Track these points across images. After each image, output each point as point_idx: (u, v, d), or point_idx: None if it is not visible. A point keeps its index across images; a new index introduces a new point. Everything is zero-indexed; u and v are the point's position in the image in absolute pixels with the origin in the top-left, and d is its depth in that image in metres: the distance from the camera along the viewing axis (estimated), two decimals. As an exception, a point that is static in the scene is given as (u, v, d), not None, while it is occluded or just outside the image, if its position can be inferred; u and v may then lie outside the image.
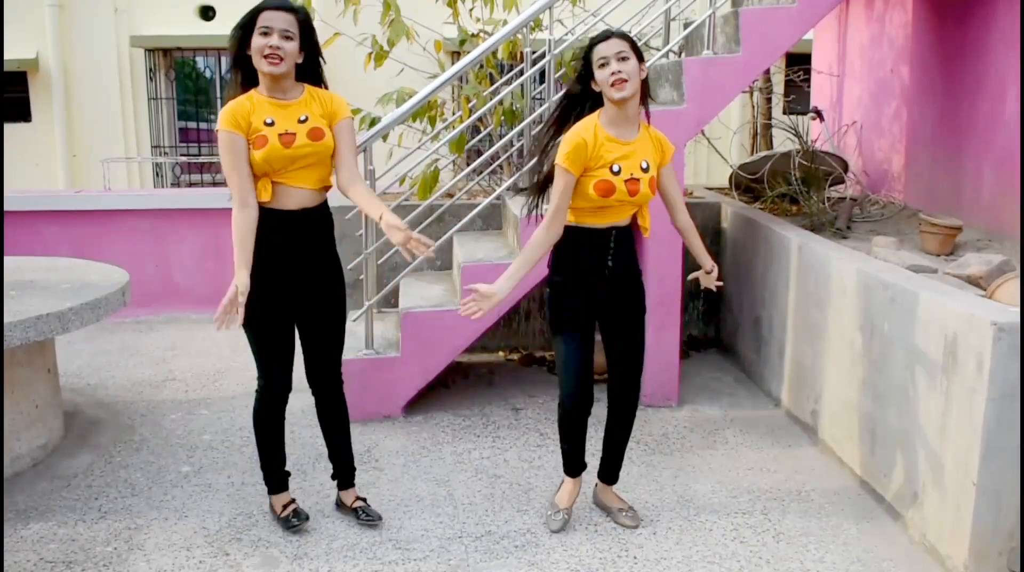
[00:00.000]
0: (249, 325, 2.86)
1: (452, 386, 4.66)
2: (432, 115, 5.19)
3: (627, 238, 2.96)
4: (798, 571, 2.89)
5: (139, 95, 11.59)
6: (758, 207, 5.47)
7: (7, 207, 5.96)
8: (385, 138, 4.22)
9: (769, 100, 7.39)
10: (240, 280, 2.74)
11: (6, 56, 11.11)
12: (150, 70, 11.55)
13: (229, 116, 2.76)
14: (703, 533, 3.13)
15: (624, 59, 2.74)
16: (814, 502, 3.37)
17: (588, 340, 2.97)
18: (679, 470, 3.64)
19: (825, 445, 3.83)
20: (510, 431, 4.07)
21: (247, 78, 2.84)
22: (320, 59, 2.92)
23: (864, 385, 3.46)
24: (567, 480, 3.22)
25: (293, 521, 3.10)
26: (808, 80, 7.25)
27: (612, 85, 2.73)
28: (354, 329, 4.55)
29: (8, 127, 11.51)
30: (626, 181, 2.80)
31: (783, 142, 6.58)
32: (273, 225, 2.84)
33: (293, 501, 3.18)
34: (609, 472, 3.26)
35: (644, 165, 2.85)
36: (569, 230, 2.88)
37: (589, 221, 2.88)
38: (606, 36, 2.80)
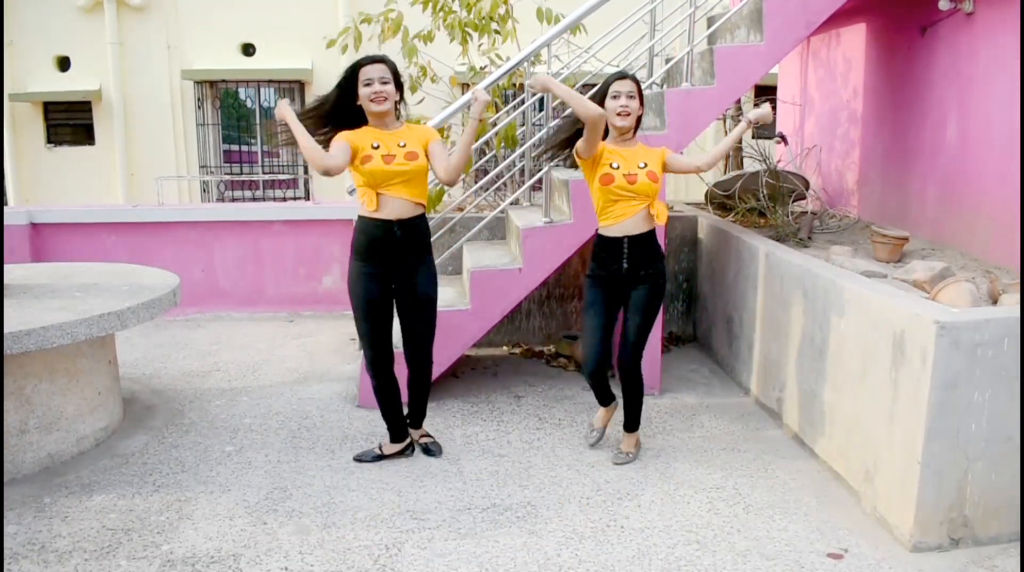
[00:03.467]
0: (356, 308, 3.25)
1: (461, 376, 4.66)
2: (444, 138, 5.21)
3: (641, 245, 3.28)
4: (765, 538, 2.89)
5: (188, 121, 11.60)
6: (730, 220, 5.47)
7: (75, 220, 5.98)
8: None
9: (740, 126, 7.36)
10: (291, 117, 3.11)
11: (74, 87, 11.15)
12: (198, 99, 11.56)
13: (349, 132, 3.13)
14: (682, 505, 3.13)
15: (631, 98, 3.19)
16: (779, 478, 3.37)
17: (604, 318, 3.33)
18: (661, 450, 3.64)
19: (789, 428, 3.82)
20: (512, 416, 4.07)
21: (341, 124, 3.19)
22: (402, 91, 3.24)
23: (823, 376, 3.45)
24: (600, 409, 3.63)
25: (409, 452, 3.53)
26: (774, 109, 7.24)
27: (617, 114, 3.19)
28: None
29: (75, 149, 11.54)
30: (625, 175, 3.19)
31: (752, 163, 6.58)
32: (376, 231, 3.17)
33: (410, 445, 3.54)
34: (626, 422, 3.55)
35: (641, 164, 3.24)
36: (596, 238, 3.33)
37: (607, 223, 3.27)
38: (623, 76, 3.20)
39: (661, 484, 3.30)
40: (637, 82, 3.22)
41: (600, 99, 3.19)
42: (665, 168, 3.33)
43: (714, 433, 3.85)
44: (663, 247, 4.26)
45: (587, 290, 3.37)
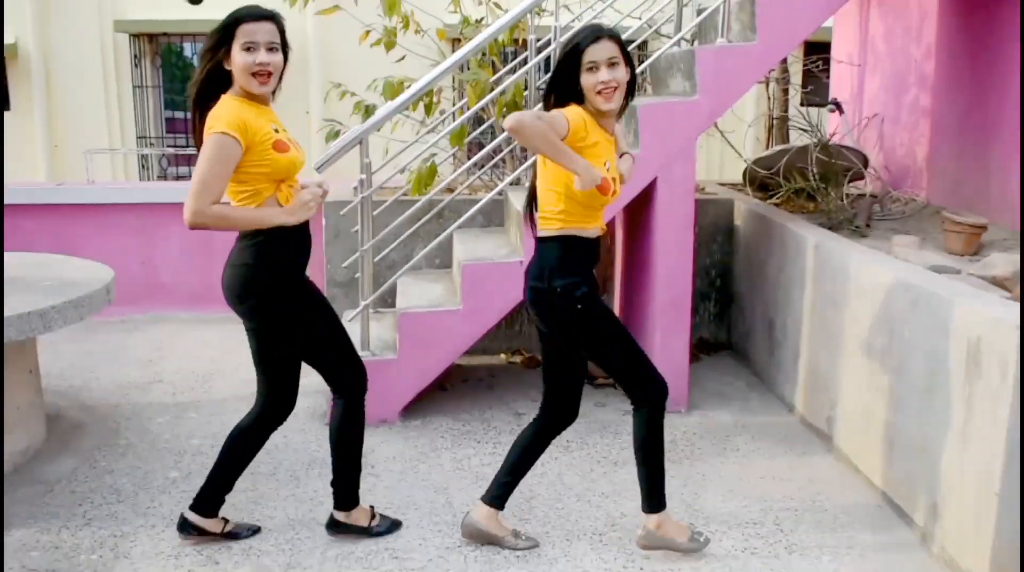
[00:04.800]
0: (326, 331, 2.97)
1: (451, 389, 4.69)
2: (428, 103, 5.22)
3: None
4: (812, 584, 2.92)
5: (123, 83, 11.61)
6: (773, 204, 5.50)
7: (-14, 200, 6.00)
8: (380, 129, 4.26)
9: (786, 91, 7.40)
10: (302, 194, 2.80)
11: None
12: (135, 56, 11.58)
13: (238, 120, 2.66)
14: (713, 543, 3.15)
15: (614, 65, 2.70)
16: (829, 513, 3.40)
17: None
18: (688, 478, 3.67)
19: (841, 453, 3.85)
20: (512, 437, 4.06)
21: (218, 90, 2.76)
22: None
23: (883, 391, 3.48)
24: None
25: (243, 531, 3.17)
26: (827, 70, 7.27)
27: (599, 94, 2.70)
28: (349, 330, 4.59)
29: (-14, 116, 11.56)
30: (613, 178, 2.80)
31: (800, 136, 6.61)
32: (298, 239, 2.87)
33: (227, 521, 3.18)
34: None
35: (614, 163, 2.87)
36: (568, 240, 2.81)
37: (580, 225, 2.81)
38: (596, 36, 2.70)
39: (689, 518, 3.33)
40: (619, 40, 2.73)
41: (569, 72, 2.73)
42: None
43: (751, 458, 3.88)
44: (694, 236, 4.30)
45: (598, 313, 2.86)
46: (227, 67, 2.72)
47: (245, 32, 2.68)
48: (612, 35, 2.72)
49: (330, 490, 3.23)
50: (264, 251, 2.80)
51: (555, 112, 2.70)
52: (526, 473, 3.09)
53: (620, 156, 2.97)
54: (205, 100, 2.76)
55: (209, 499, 3.09)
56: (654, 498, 3.00)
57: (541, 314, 2.88)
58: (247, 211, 2.77)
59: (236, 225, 2.77)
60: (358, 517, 3.18)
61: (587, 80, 2.70)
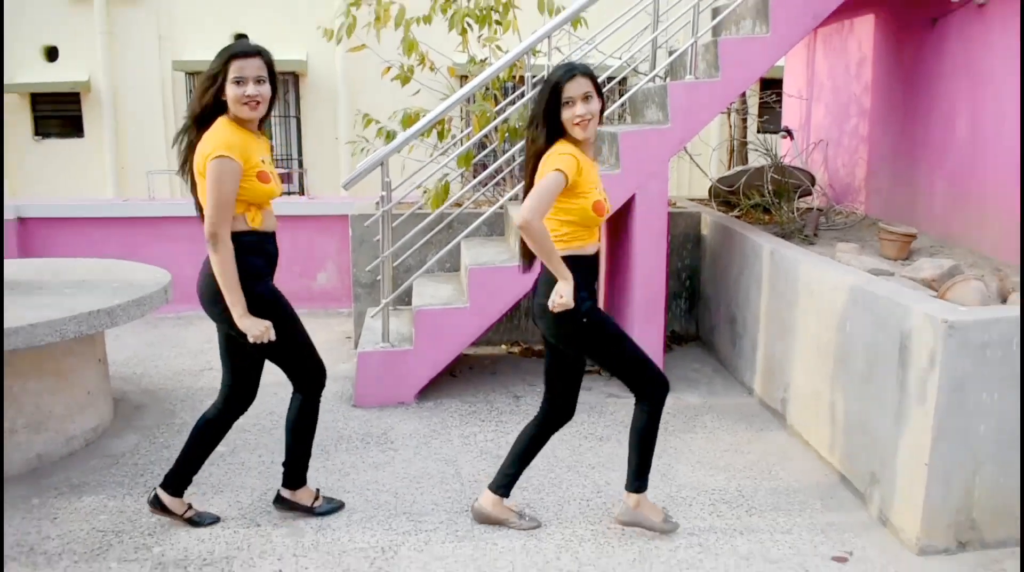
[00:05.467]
0: (296, 338, 2.84)
1: (459, 376, 4.67)
2: (440, 130, 5.22)
3: None
4: (768, 542, 2.90)
5: (180, 113, 11.58)
6: (734, 216, 5.48)
7: (63, 214, 5.98)
8: (399, 151, 4.24)
9: (745, 120, 7.40)
10: (258, 322, 2.65)
11: (62, 78, 11.14)
12: (190, 91, 11.55)
13: (235, 145, 2.59)
14: (684, 507, 3.14)
15: (588, 99, 2.62)
16: (783, 480, 3.38)
17: None
18: (662, 451, 3.65)
19: (793, 430, 3.83)
20: (511, 416, 4.08)
21: (212, 117, 2.68)
22: (275, 96, 2.77)
23: (828, 376, 3.46)
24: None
25: (205, 519, 3.01)
26: (780, 102, 7.26)
27: (576, 125, 2.62)
28: (372, 324, 4.58)
29: (63, 142, 11.54)
30: (604, 199, 2.73)
31: (757, 158, 6.59)
32: (271, 246, 2.79)
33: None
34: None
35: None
36: (571, 259, 2.68)
37: (580, 244, 2.71)
38: (571, 74, 2.61)
39: (663, 486, 3.31)
40: (591, 75, 2.64)
41: (549, 108, 2.64)
42: None
43: (717, 434, 3.86)
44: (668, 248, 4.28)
45: (601, 321, 2.76)
46: (222, 98, 2.64)
47: (236, 68, 2.61)
48: (585, 72, 2.63)
49: (354, 462, 3.20)
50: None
51: (551, 176, 2.56)
52: (529, 464, 2.99)
53: None
54: (200, 124, 2.69)
55: (177, 479, 2.95)
56: (640, 480, 2.89)
57: (548, 327, 2.76)
58: (230, 276, 2.62)
59: (219, 273, 2.62)
60: (302, 496, 3.05)
61: (566, 115, 2.62)
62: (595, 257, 2.78)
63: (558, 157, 2.62)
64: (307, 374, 2.94)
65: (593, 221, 2.70)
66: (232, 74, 2.61)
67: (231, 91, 2.62)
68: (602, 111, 2.72)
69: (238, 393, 2.90)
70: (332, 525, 2.99)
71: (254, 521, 3.02)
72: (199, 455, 2.95)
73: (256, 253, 2.73)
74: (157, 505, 2.96)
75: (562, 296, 2.60)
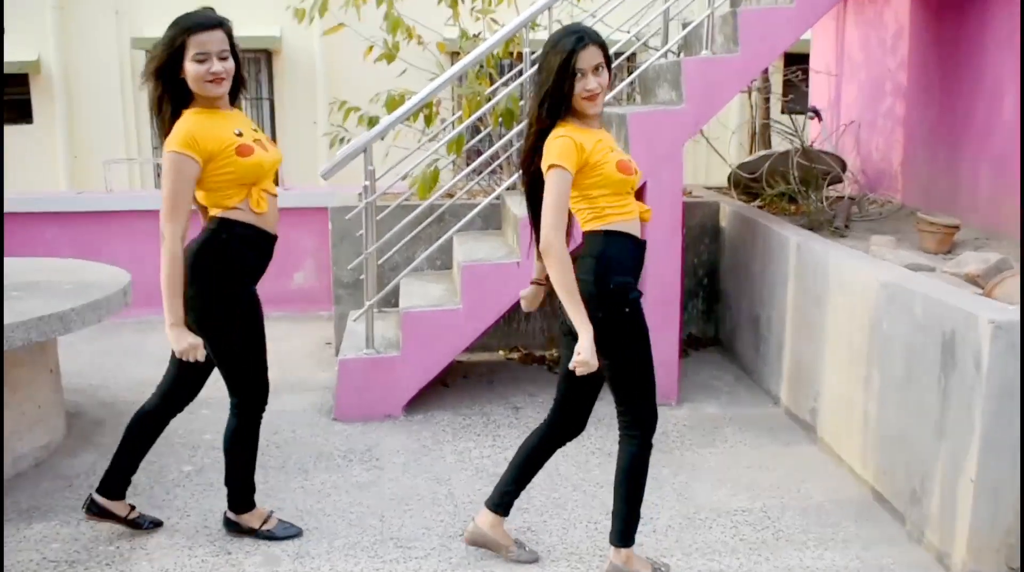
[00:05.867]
0: (244, 349, 2.86)
1: (452, 385, 4.66)
2: (428, 114, 5.20)
3: None
4: (797, 567, 2.89)
5: (140, 97, 11.54)
6: (756, 206, 5.47)
7: (9, 209, 5.96)
8: (383, 138, 4.23)
9: (767, 100, 7.38)
10: (187, 337, 2.65)
11: (9, 59, 11.10)
12: (151, 72, 11.54)
13: (188, 137, 2.59)
14: (703, 531, 3.13)
15: (599, 70, 2.59)
16: (813, 500, 3.37)
17: None
18: (679, 468, 3.64)
19: (824, 443, 3.83)
20: (510, 430, 4.07)
21: (178, 101, 2.68)
22: (240, 67, 2.76)
23: (863, 383, 3.46)
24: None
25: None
26: (806, 80, 7.25)
27: (586, 99, 2.59)
28: (355, 328, 4.56)
29: (10, 128, 11.50)
30: (627, 159, 2.68)
31: (781, 141, 6.59)
32: (265, 243, 2.80)
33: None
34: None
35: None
36: (621, 236, 2.64)
37: (619, 217, 2.64)
38: (583, 43, 2.56)
39: (679, 506, 3.31)
40: (603, 45, 2.61)
41: (560, 78, 2.58)
42: None
43: (738, 448, 3.86)
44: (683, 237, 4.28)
45: (638, 322, 2.67)
46: (180, 76, 2.64)
47: (196, 43, 2.58)
48: (596, 39, 2.60)
49: (336, 482, 3.20)
50: (204, 262, 2.74)
51: (552, 178, 2.54)
52: (530, 480, 2.96)
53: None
54: (172, 117, 2.67)
55: (114, 481, 3.00)
56: (628, 532, 2.77)
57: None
58: (175, 278, 2.63)
59: (162, 272, 2.63)
60: (249, 519, 3.06)
61: (574, 87, 2.58)
62: (643, 246, 2.70)
63: (550, 148, 2.59)
64: (249, 394, 2.95)
65: (623, 184, 2.63)
66: (192, 50, 2.59)
67: (192, 69, 2.60)
68: (610, 86, 2.70)
69: (178, 392, 2.97)
70: (311, 552, 2.98)
71: (224, 549, 3.01)
72: (137, 451, 3.00)
73: (252, 248, 2.77)
74: (94, 511, 2.99)
75: (580, 353, 2.49)
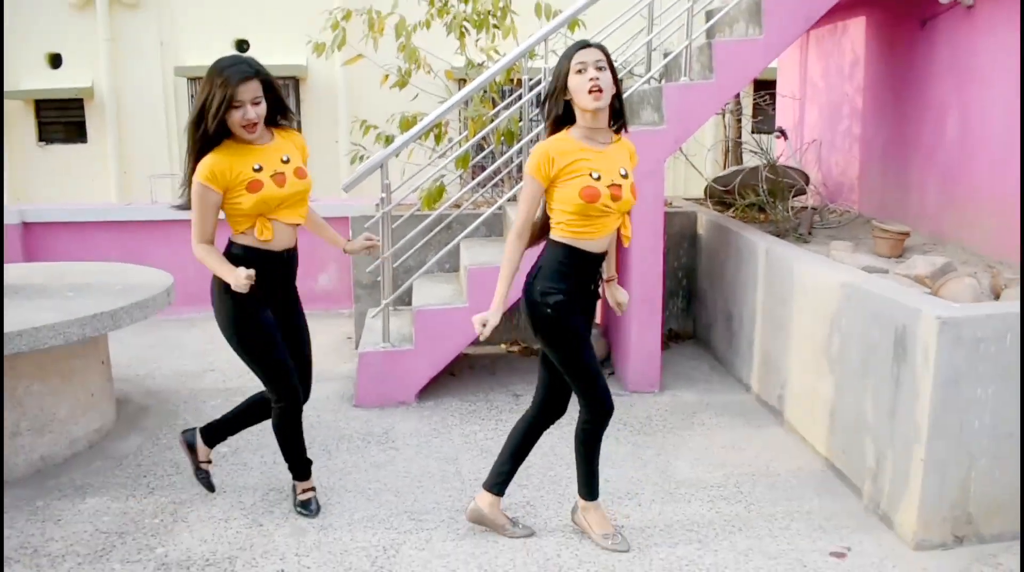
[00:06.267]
0: (259, 354, 2.86)
1: (459, 375, 4.65)
2: (438, 134, 5.20)
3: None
4: (767, 537, 2.88)
5: (182, 118, 11.54)
6: (730, 215, 5.46)
7: (67, 218, 5.95)
8: (397, 154, 4.22)
9: (739, 121, 7.38)
10: (238, 273, 2.64)
11: (65, 85, 11.10)
12: (192, 96, 11.52)
13: (208, 172, 2.62)
14: (683, 504, 3.12)
15: (601, 68, 2.46)
16: (780, 476, 3.36)
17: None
18: (661, 449, 3.63)
19: (790, 426, 3.82)
20: (511, 414, 4.06)
21: (219, 135, 2.66)
22: (281, 98, 2.76)
23: (824, 373, 3.45)
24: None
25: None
26: (773, 103, 7.24)
27: (589, 91, 2.43)
28: (373, 325, 4.55)
29: (67, 147, 11.50)
30: (608, 186, 2.50)
31: (751, 158, 6.57)
32: (269, 264, 2.78)
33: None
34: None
35: (623, 171, 2.56)
36: (565, 249, 2.58)
37: (583, 237, 2.56)
38: (585, 44, 2.51)
39: (661, 483, 3.30)
40: (605, 51, 2.51)
41: (561, 82, 2.50)
42: None
43: (714, 431, 3.85)
44: (664, 243, 4.27)
45: (564, 323, 2.61)
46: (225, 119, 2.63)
47: (235, 93, 2.58)
48: (598, 45, 2.53)
49: (356, 461, 3.20)
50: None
51: (524, 181, 2.58)
52: (523, 461, 2.93)
53: (607, 281, 2.84)
54: (199, 154, 2.68)
55: (216, 432, 3.12)
56: (586, 488, 2.84)
57: (525, 312, 2.69)
58: (214, 258, 2.72)
59: (208, 266, 2.75)
60: (299, 486, 3.09)
61: (576, 82, 2.46)
62: (593, 257, 2.61)
63: (531, 156, 2.56)
64: (276, 393, 2.94)
65: (586, 210, 2.50)
66: (231, 98, 2.58)
67: (229, 115, 2.62)
68: (619, 96, 2.57)
69: (283, 389, 2.92)
70: (334, 524, 2.97)
71: (256, 521, 3.00)
72: (242, 423, 3.11)
73: (257, 266, 2.74)
74: (188, 443, 3.13)
75: (477, 320, 2.63)
